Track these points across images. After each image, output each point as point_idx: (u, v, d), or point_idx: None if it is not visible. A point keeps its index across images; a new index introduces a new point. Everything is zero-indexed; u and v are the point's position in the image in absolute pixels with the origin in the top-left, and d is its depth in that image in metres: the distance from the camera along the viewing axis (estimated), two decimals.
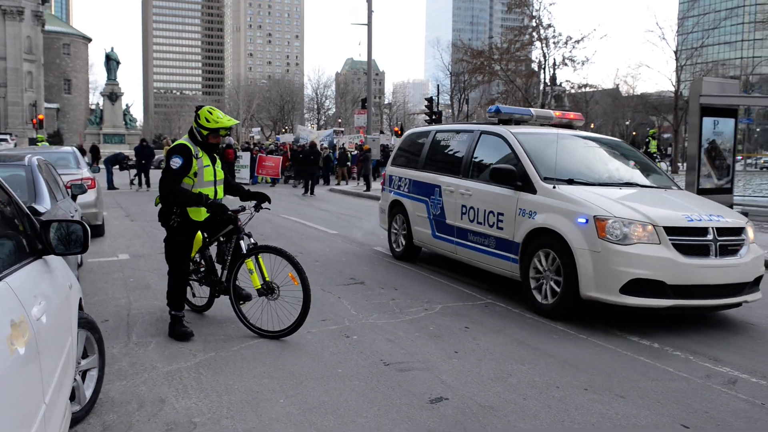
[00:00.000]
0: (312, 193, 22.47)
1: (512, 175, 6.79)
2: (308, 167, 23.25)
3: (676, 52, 36.87)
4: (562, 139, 7.31)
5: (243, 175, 26.10)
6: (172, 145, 5.71)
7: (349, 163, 29.97)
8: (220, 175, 5.82)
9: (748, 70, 76.08)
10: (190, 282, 6.09)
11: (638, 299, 5.67)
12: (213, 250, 6.07)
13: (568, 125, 8.56)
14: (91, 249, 9.96)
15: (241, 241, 5.68)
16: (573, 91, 46.53)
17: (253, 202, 6.00)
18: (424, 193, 8.63)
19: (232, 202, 5.87)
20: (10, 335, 2.14)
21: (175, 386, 4.40)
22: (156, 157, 29.74)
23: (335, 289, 7.34)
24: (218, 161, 5.85)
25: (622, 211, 5.92)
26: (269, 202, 6.03)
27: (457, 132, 8.54)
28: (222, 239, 5.83)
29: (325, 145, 31.61)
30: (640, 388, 4.49)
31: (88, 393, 3.96)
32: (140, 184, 24.09)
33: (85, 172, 11.38)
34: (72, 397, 3.74)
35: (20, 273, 2.65)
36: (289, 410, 4.02)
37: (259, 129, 65.77)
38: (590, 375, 4.74)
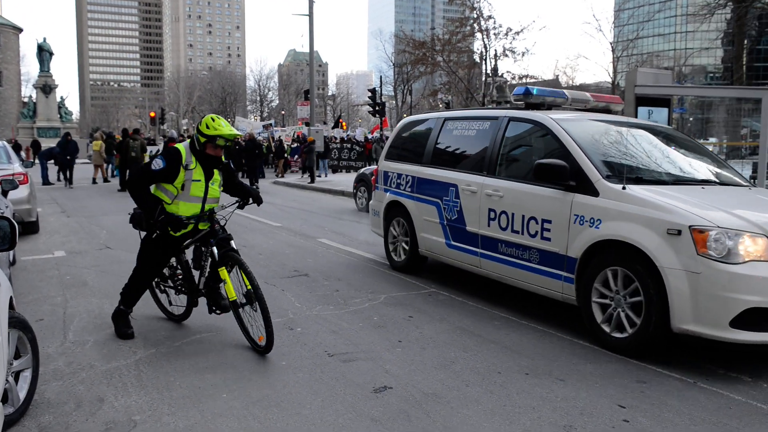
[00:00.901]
0: (257, 184, 22.11)
1: (564, 172, 5.45)
2: (249, 161, 22.90)
3: (612, 44, 37.78)
4: (615, 127, 6.22)
5: None
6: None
7: (287, 156, 29.69)
8: (215, 193, 5.22)
9: (681, 61, 78.62)
10: (167, 289, 5.75)
11: (757, 335, 4.42)
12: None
13: (606, 109, 7.08)
14: (25, 246, 9.67)
15: (213, 248, 5.11)
16: (514, 82, 47.24)
17: (235, 199, 5.47)
18: (434, 193, 7.21)
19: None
20: None
21: (114, 384, 4.31)
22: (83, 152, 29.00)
23: (279, 282, 7.29)
24: (217, 178, 5.25)
25: (724, 218, 4.66)
26: (259, 202, 5.47)
27: (476, 119, 7.06)
28: (198, 243, 5.29)
29: (262, 137, 31.45)
30: (579, 371, 4.60)
31: (22, 394, 3.83)
32: (65, 180, 22.55)
33: (16, 167, 10.97)
34: (5, 399, 3.61)
35: None
36: (232, 404, 3.98)
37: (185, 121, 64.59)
38: (531, 360, 4.84)
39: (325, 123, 55.06)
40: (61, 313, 6.04)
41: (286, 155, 29.19)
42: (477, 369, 4.62)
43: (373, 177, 8.96)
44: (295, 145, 30.70)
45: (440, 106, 68.41)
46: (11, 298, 3.83)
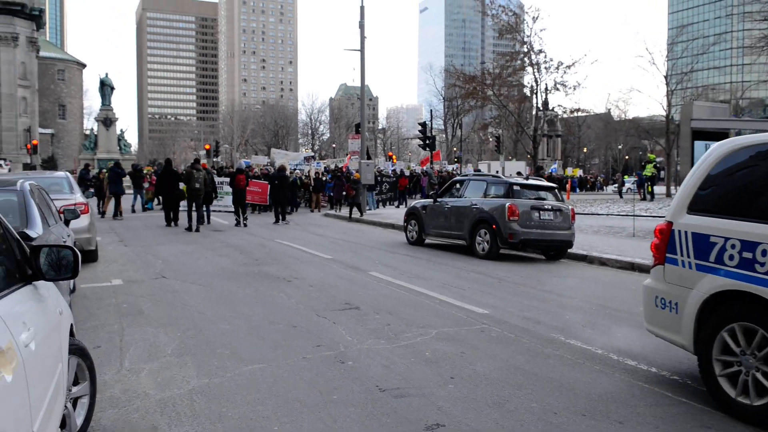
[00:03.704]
0: (284, 219, 20.92)
1: None
2: (275, 193, 21.39)
3: (666, 77, 37.13)
4: None
5: (226, 202, 23.54)
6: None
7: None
8: None
9: (738, 94, 76.89)
10: None
11: None
12: None
13: None
14: (84, 274, 9.92)
15: None
16: (565, 115, 46.89)
17: None
18: None
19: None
20: None
21: (168, 414, 4.32)
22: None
23: (330, 315, 7.27)
24: None
25: None
26: None
27: None
28: None
29: (296, 169, 31.14)
30: (638, 414, 4.42)
31: (79, 421, 3.87)
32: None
33: (78, 197, 11.33)
34: (63, 425, 3.65)
35: (8, 299, 2.60)
36: None
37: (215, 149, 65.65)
38: (588, 400, 4.67)
39: (369, 157, 55.53)
40: (117, 341, 6.14)
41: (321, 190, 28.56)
42: (532, 409, 4.48)
43: (656, 240, 5.20)
44: (325, 178, 29.61)
45: (490, 140, 68.22)
46: (72, 325, 3.91)
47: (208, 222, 19.31)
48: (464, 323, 6.97)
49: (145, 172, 28.83)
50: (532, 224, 12.56)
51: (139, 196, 25.45)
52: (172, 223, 18.83)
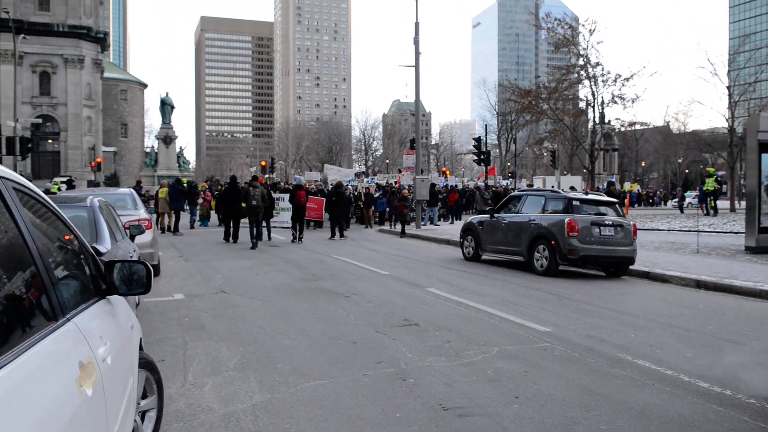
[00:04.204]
0: (341, 235, 21.01)
1: None
2: (333, 209, 21.51)
3: (729, 88, 36.05)
4: None
5: (283, 218, 23.69)
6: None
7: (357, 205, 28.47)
8: None
9: None
10: None
11: None
12: None
13: None
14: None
15: None
16: (623, 129, 45.95)
17: None
18: None
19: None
20: (79, 377, 2.12)
21: (232, 429, 4.34)
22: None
23: (389, 331, 7.24)
24: None
25: None
26: None
27: None
28: None
29: (348, 185, 30.94)
30: None
31: None
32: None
33: (142, 213, 11.62)
34: None
35: (86, 313, 2.65)
36: None
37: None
38: (660, 424, 4.50)
39: (422, 171, 55.49)
40: (181, 355, 6.23)
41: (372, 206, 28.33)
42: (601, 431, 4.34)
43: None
44: (377, 194, 29.19)
45: (545, 154, 67.41)
46: (141, 339, 3.97)
47: (269, 238, 19.35)
48: (526, 341, 6.83)
49: (199, 188, 29.20)
50: (593, 240, 12.30)
51: (194, 213, 25.60)
52: (230, 239, 18.97)
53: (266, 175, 59.99)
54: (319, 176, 40.30)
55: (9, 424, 1.56)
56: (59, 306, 2.29)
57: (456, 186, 35.30)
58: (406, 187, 29.75)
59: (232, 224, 19.29)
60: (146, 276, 3.40)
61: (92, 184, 50.87)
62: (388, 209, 26.81)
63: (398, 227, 23.60)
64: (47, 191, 22.81)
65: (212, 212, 27.95)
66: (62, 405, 1.93)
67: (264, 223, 18.90)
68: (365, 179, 37.54)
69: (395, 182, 35.75)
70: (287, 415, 4.58)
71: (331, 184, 30.75)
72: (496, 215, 14.29)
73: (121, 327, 3.27)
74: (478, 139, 35.17)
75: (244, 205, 18.48)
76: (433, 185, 30.25)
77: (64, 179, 48.24)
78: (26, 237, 2.15)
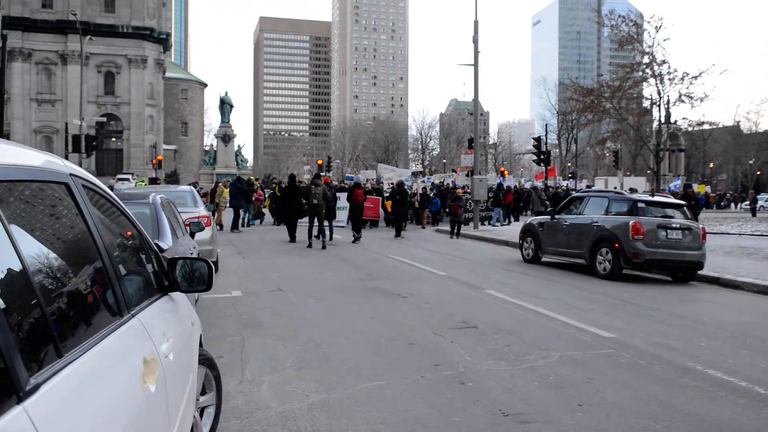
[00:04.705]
0: (399, 235, 21.19)
1: None
2: (396, 208, 21.97)
3: None
4: None
5: (339, 217, 23.30)
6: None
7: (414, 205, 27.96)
8: None
9: None
10: None
11: None
12: None
13: None
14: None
15: None
16: (690, 129, 44.55)
17: None
18: None
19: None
20: (143, 373, 2.13)
21: (288, 427, 4.35)
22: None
23: (447, 333, 7.16)
24: None
25: None
26: None
27: None
28: None
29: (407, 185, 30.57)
30: None
31: (206, 430, 3.97)
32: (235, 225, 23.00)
33: (201, 211, 11.84)
34: None
35: (150, 309, 2.68)
36: None
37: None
38: None
39: (479, 171, 55.03)
40: (238, 352, 6.30)
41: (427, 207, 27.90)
42: None
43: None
44: (431, 194, 28.67)
45: (607, 155, 65.97)
46: (200, 336, 4.02)
47: (330, 238, 18.87)
48: (589, 347, 6.66)
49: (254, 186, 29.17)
50: (659, 243, 11.94)
51: (248, 210, 25.71)
52: (294, 240, 18.70)
53: (329, 174, 60.49)
54: (374, 175, 40.35)
55: (77, 420, 1.57)
56: (124, 302, 2.32)
57: (512, 186, 34.73)
58: (460, 186, 29.51)
59: (291, 223, 19.23)
60: (208, 273, 3.43)
61: (153, 181, 52.25)
62: (447, 210, 26.44)
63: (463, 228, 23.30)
64: (111, 188, 23.45)
65: (264, 210, 28.12)
66: (127, 401, 1.94)
67: (326, 223, 18.42)
68: (421, 179, 37.35)
69: (452, 181, 35.53)
70: (344, 416, 4.57)
71: (391, 184, 30.76)
72: (556, 216, 14.04)
73: (183, 323, 3.30)
74: (538, 139, 34.67)
75: (305, 202, 18.27)
76: (500, 185, 29.93)
77: (124, 177, 49.72)
78: (94, 233, 2.17)
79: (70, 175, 2.17)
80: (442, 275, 12.02)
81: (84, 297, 2.00)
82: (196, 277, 3.45)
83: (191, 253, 7.25)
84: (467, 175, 28.81)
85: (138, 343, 2.27)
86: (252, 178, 27.82)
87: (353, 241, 18.81)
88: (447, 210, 25.15)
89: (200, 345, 3.97)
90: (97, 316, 2.05)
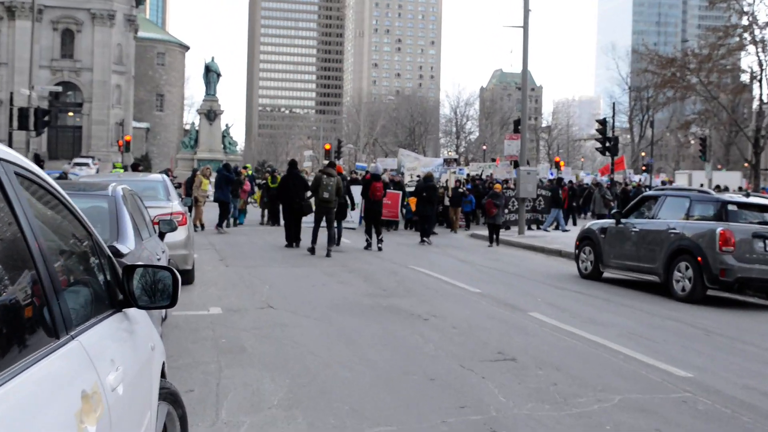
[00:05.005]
0: (427, 238, 21.34)
1: None
2: (423, 207, 21.85)
3: None
4: None
5: (352, 217, 23.01)
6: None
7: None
8: None
9: None
10: None
11: None
12: None
13: None
14: (179, 300, 10.38)
15: None
16: None
17: None
18: None
19: None
20: (80, 410, 2.14)
21: None
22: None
23: (478, 367, 7.16)
24: None
25: None
26: None
27: None
28: None
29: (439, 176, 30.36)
30: None
31: None
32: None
33: (175, 206, 11.92)
34: None
35: (96, 330, 2.69)
36: None
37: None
38: None
39: (529, 162, 54.84)
40: (213, 384, 6.35)
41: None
42: None
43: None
44: (463, 189, 28.37)
45: (692, 142, 65.56)
46: (163, 364, 4.04)
47: (338, 243, 18.69)
48: (659, 389, 6.63)
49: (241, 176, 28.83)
50: (755, 258, 11.84)
51: (234, 205, 25.60)
52: (294, 244, 18.64)
53: (339, 161, 60.55)
54: (394, 164, 40.18)
55: None
56: (62, 320, 2.33)
57: (566, 181, 34.38)
58: (500, 180, 29.33)
59: (292, 223, 18.95)
60: (173, 285, 3.44)
61: (135, 167, 52.66)
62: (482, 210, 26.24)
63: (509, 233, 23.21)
64: (62, 177, 23.49)
65: (252, 206, 27.98)
66: None
67: (336, 224, 18.36)
68: (456, 169, 36.77)
69: (490, 174, 35.44)
70: None
71: (416, 177, 30.63)
72: (623, 220, 13.98)
73: (140, 348, 3.32)
74: (602, 122, 34.47)
75: (311, 196, 18.02)
76: (559, 180, 29.80)
77: (83, 161, 49.98)
78: (27, 234, 2.18)
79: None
80: (475, 293, 12.03)
81: (8, 314, 2.00)
82: (159, 289, 3.47)
83: (158, 259, 7.31)
84: (512, 165, 28.66)
85: (76, 372, 2.28)
86: (248, 165, 27.76)
87: (366, 247, 18.78)
88: (481, 210, 25.07)
89: (163, 375, 3.99)
90: (24, 338, 2.05)
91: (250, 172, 36.07)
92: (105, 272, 3.22)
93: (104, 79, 70.13)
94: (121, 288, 3.26)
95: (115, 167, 41.26)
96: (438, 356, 7.57)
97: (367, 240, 19.04)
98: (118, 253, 5.77)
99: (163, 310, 7.92)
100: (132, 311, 3.41)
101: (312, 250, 17.03)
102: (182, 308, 9.71)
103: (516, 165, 26.82)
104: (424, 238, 21.40)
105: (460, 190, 27.72)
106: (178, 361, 7.02)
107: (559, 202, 27.29)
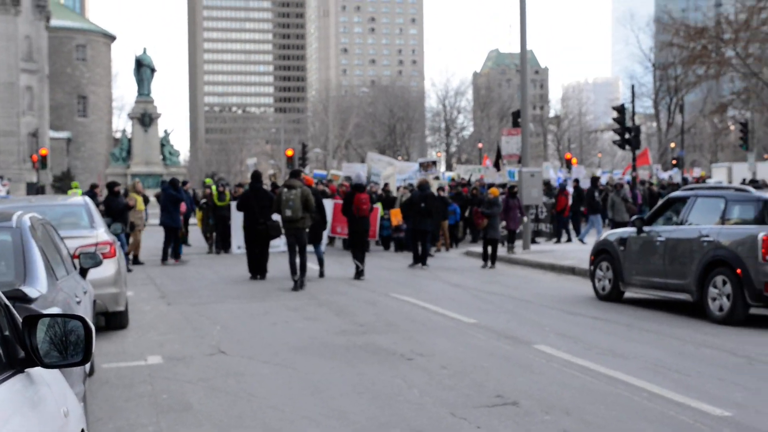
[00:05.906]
0: (424, 262, 21.04)
1: None
2: (418, 222, 21.34)
3: None
4: None
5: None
6: None
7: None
8: None
9: None
10: None
11: None
12: None
13: None
14: (109, 348, 10.39)
15: None
16: None
17: None
18: None
19: None
20: None
21: None
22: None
23: (472, 414, 7.21)
24: None
25: None
26: None
27: None
28: None
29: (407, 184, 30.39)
30: None
31: None
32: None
33: (101, 234, 11.86)
34: None
35: None
36: None
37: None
38: None
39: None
40: None
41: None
42: None
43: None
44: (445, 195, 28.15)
45: (731, 128, 66.00)
46: (83, 431, 4.03)
47: (321, 274, 18.53)
48: None
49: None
50: None
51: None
52: (259, 276, 18.41)
53: (305, 170, 60.25)
54: (364, 169, 39.72)
55: None
56: None
57: (569, 181, 34.36)
58: (498, 185, 29.31)
59: (256, 250, 18.56)
60: (86, 338, 3.43)
61: (34, 188, 52.30)
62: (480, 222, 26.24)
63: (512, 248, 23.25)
64: None
65: (189, 229, 27.57)
66: None
67: (311, 248, 17.98)
68: (434, 173, 36.17)
69: (479, 178, 35.38)
70: None
71: (411, 185, 30.55)
72: (646, 228, 14.06)
73: (46, 417, 3.28)
74: (620, 109, 34.70)
75: (276, 217, 17.63)
76: (593, 180, 29.83)
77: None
78: None
79: None
80: (470, 323, 12.08)
81: None
82: (71, 342, 3.46)
83: (79, 302, 7.29)
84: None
85: None
86: (208, 180, 27.25)
87: (356, 276, 18.29)
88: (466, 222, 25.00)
89: None
90: None
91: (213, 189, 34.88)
92: (1, 325, 3.21)
93: (11, 80, 69.76)
94: (21, 344, 3.25)
95: (72, 188, 40.49)
96: (424, 404, 7.60)
97: (357, 267, 18.37)
98: (26, 299, 5.76)
99: (87, 365, 7.91)
100: (37, 370, 3.40)
101: (296, 286, 16.38)
102: (114, 359, 9.74)
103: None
104: (419, 262, 20.92)
105: (444, 197, 27.46)
106: (108, 425, 7.03)
107: (596, 207, 27.22)
